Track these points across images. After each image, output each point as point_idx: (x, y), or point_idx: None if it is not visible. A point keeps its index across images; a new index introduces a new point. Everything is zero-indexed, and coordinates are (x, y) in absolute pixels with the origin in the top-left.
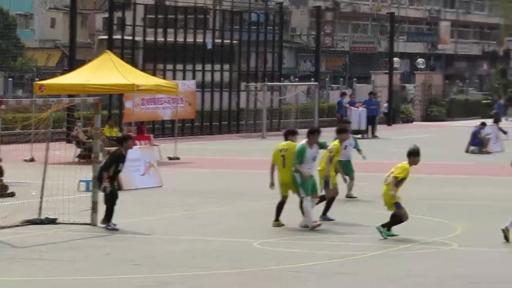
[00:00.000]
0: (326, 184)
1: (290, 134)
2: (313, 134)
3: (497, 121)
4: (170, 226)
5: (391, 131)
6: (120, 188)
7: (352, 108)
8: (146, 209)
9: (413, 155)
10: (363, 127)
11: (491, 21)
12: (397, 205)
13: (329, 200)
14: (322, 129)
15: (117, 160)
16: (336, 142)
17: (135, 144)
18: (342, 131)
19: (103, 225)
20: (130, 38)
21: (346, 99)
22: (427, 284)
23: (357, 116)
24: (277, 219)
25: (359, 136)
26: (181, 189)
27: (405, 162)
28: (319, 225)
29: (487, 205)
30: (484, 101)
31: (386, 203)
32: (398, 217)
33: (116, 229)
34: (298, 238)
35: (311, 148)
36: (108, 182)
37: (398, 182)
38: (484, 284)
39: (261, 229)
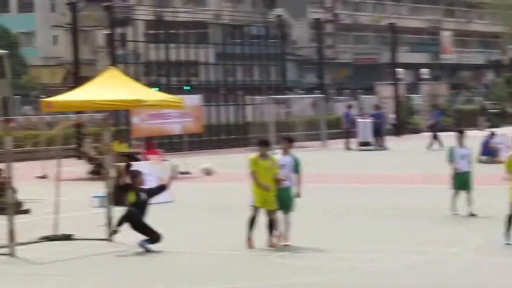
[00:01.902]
0: None
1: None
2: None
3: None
4: (183, 240)
5: (400, 142)
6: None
7: (359, 119)
8: (158, 224)
9: None
10: (369, 138)
11: (494, 30)
12: None
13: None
14: (329, 141)
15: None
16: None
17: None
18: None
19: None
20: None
21: (353, 111)
22: None
23: (363, 127)
24: None
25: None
26: (192, 203)
27: None
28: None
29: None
30: (491, 111)
31: None
32: None
33: (148, 250)
34: (314, 250)
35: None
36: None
37: None
38: None
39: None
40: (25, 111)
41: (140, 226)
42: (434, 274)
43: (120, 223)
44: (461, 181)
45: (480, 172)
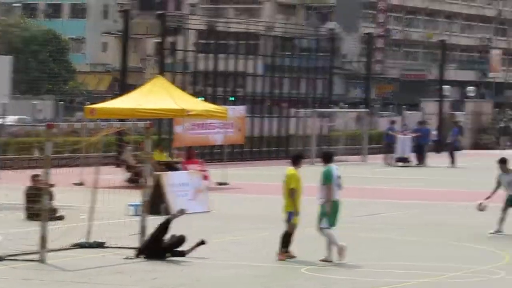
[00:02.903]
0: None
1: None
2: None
3: None
4: (218, 251)
5: (439, 159)
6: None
7: (399, 135)
8: (194, 234)
9: None
10: (407, 154)
11: None
12: None
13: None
14: (369, 156)
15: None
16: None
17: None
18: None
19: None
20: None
21: (396, 126)
22: None
23: (401, 143)
24: None
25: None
26: (229, 214)
27: None
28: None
29: None
30: None
31: None
32: None
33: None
34: (344, 264)
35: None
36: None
37: None
38: None
39: (309, 254)
40: (78, 117)
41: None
42: None
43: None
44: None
45: None
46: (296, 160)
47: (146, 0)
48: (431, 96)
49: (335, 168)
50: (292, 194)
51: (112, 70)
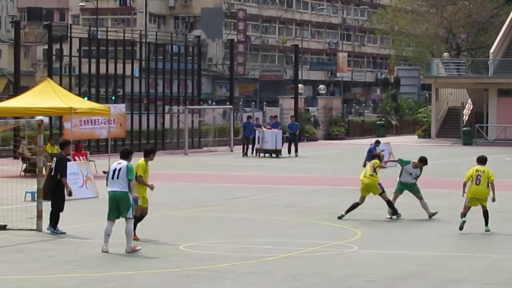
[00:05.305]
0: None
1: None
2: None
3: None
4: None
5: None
6: (70, 194)
7: (264, 129)
8: (84, 217)
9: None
10: (279, 147)
11: (382, 52)
12: None
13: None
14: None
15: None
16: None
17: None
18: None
19: (51, 230)
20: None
21: (253, 121)
22: (329, 282)
23: (274, 136)
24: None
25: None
26: None
27: None
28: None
29: (377, 213)
30: (378, 122)
31: None
32: None
33: (63, 233)
34: (217, 242)
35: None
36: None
37: None
38: (381, 281)
39: (186, 234)
40: None
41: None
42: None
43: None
44: None
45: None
46: (147, 153)
47: (34, 12)
48: (287, 94)
49: (117, 162)
50: (139, 180)
51: (7, 74)
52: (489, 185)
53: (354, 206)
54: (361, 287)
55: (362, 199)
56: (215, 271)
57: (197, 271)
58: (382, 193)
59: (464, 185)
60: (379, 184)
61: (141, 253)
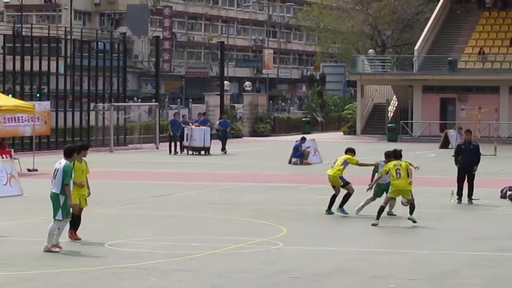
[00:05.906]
0: None
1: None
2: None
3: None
4: (30, 229)
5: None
6: None
7: (192, 126)
8: (9, 215)
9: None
10: (208, 144)
11: (308, 49)
12: None
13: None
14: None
15: None
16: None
17: None
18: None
19: None
20: None
21: (179, 118)
22: (255, 278)
23: (202, 134)
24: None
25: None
26: (39, 196)
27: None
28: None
29: (303, 209)
30: (303, 119)
31: None
32: None
33: None
34: (143, 240)
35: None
36: None
37: None
38: (307, 277)
39: (112, 231)
40: None
41: None
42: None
43: None
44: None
45: (293, 172)
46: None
47: None
48: (213, 91)
49: (59, 162)
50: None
51: None
52: (408, 174)
53: (333, 198)
54: (286, 284)
55: (336, 190)
56: (141, 269)
57: (123, 268)
58: (345, 185)
59: (373, 176)
60: (341, 177)
61: (66, 251)
